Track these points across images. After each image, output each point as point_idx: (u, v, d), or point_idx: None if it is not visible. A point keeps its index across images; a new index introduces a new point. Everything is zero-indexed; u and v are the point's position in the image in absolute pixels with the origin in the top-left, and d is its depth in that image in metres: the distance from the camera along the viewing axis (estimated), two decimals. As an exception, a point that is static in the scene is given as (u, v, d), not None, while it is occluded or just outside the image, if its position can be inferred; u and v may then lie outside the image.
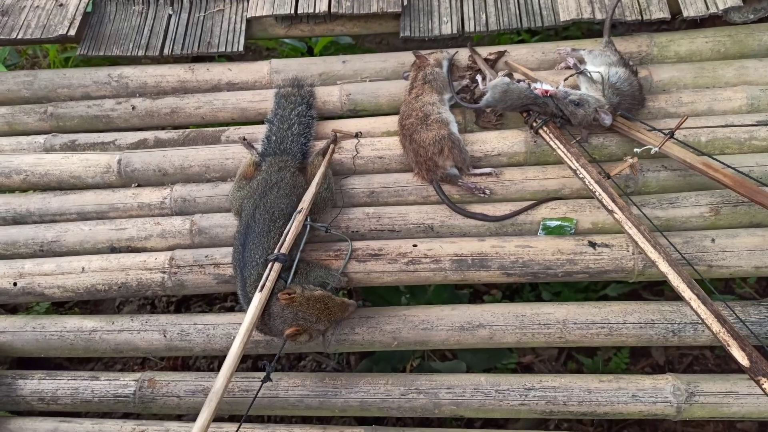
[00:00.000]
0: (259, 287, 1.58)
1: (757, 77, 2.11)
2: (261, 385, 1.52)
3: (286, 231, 1.69)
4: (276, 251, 1.64)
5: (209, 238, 1.93)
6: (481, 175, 1.97)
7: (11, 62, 3.08)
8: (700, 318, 1.52)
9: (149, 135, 2.19)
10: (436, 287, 2.32)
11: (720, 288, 2.31)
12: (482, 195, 1.94)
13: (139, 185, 2.08)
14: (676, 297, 1.56)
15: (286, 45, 3.01)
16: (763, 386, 1.40)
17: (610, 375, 1.72)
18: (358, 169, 2.04)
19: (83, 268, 1.87)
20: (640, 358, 2.31)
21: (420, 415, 1.71)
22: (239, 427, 1.48)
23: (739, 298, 2.06)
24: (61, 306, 2.46)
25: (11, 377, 1.80)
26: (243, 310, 1.60)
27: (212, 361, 2.34)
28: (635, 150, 1.83)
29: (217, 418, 1.50)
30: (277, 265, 1.61)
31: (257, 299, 1.56)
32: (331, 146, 2.00)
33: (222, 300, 2.51)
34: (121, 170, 2.06)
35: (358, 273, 1.82)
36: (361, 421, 2.01)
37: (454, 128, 1.97)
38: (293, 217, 1.72)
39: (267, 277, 1.60)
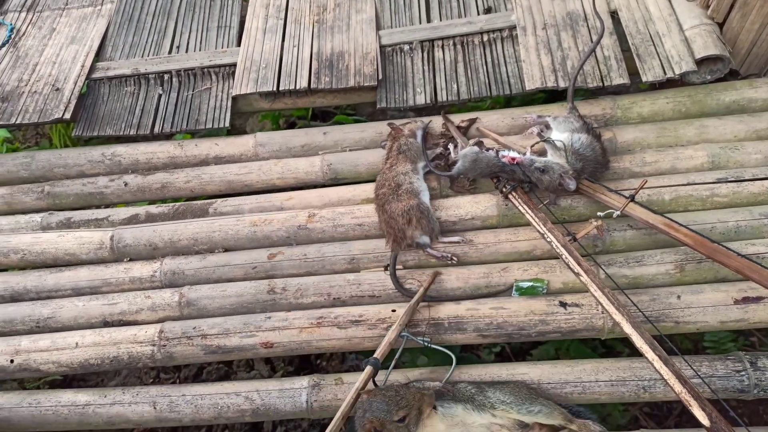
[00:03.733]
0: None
1: (716, 135, 2.22)
2: None
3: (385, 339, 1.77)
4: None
5: (197, 309, 2.02)
6: (449, 243, 2.06)
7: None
8: (663, 378, 1.59)
9: (141, 210, 2.30)
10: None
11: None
12: (450, 262, 2.03)
13: (131, 259, 2.18)
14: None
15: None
16: (723, 445, 1.46)
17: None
18: (338, 236, 2.14)
19: (77, 344, 1.95)
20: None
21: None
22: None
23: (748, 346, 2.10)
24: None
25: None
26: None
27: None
28: (598, 213, 1.93)
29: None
30: (369, 369, 1.69)
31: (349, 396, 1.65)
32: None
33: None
34: (113, 246, 2.17)
35: (340, 339, 1.90)
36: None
37: (425, 198, 2.08)
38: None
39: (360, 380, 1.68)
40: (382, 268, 2.04)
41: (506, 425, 1.64)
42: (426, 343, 1.83)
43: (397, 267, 2.03)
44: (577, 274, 1.82)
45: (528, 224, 2.05)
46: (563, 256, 1.86)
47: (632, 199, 1.90)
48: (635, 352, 1.64)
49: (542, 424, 1.64)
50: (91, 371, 1.96)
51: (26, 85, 2.61)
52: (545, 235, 1.92)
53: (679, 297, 1.85)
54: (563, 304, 1.88)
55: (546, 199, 2.06)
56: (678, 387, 1.55)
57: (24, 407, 1.91)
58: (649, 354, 1.62)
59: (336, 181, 2.33)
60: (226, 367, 2.48)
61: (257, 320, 1.94)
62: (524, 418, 1.65)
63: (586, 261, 1.82)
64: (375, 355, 1.73)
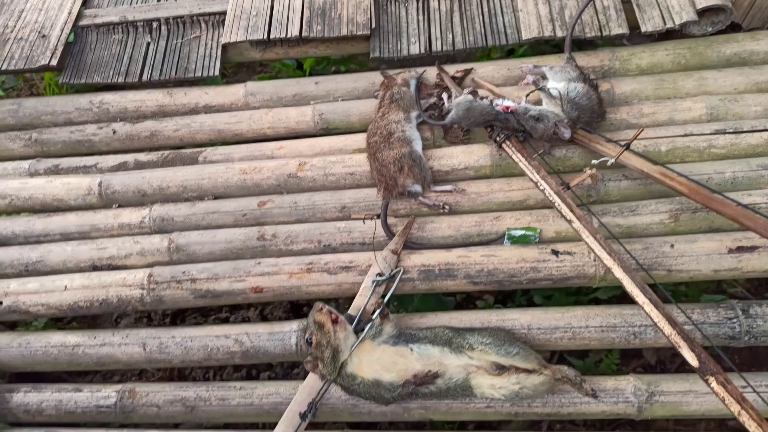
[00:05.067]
0: None
1: (716, 87, 2.19)
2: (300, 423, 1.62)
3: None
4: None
5: (186, 255, 2.00)
6: (441, 191, 2.04)
7: (9, 85, 3.18)
8: (653, 321, 1.58)
9: (129, 158, 2.27)
10: (423, 295, 2.36)
11: (712, 288, 2.33)
12: (442, 210, 2.01)
13: (119, 206, 2.16)
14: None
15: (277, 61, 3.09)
16: (711, 385, 1.46)
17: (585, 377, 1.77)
18: (329, 185, 2.12)
19: (66, 287, 1.94)
20: (631, 359, 2.32)
21: (390, 419, 1.77)
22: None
23: (731, 298, 2.09)
24: (60, 321, 2.50)
25: (-3, 392, 1.87)
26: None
27: (207, 371, 2.39)
28: (593, 162, 1.91)
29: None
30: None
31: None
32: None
33: (217, 311, 2.53)
34: (102, 192, 2.15)
35: (329, 285, 1.89)
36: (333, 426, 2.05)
37: (417, 146, 2.05)
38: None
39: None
40: (374, 216, 2.02)
41: (483, 367, 1.64)
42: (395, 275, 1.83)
43: (388, 215, 2.01)
44: (570, 221, 1.81)
45: (521, 174, 2.03)
46: (556, 204, 1.84)
47: (628, 147, 1.88)
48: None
49: (518, 368, 1.64)
50: (80, 314, 1.96)
51: (12, 32, 2.55)
52: (538, 183, 1.90)
53: (672, 246, 1.84)
54: (555, 252, 1.86)
55: (540, 149, 2.03)
56: (668, 329, 1.55)
57: (14, 347, 1.91)
58: (640, 297, 1.62)
59: (328, 131, 2.30)
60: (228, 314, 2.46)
61: (247, 265, 1.93)
62: (501, 360, 1.64)
63: (579, 210, 1.81)
64: (349, 311, 1.76)
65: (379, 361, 1.64)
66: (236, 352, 1.86)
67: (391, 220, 1.99)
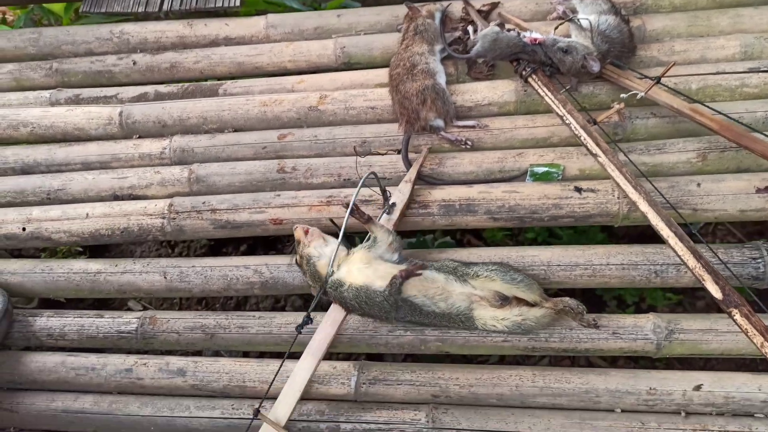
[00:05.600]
0: None
1: (751, 25, 2.10)
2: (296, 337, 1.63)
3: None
4: None
5: (206, 186, 2.00)
6: (464, 127, 2.00)
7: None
8: (677, 254, 1.56)
9: (149, 89, 2.26)
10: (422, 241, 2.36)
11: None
12: (464, 146, 1.98)
13: (139, 137, 2.16)
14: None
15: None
16: (735, 317, 1.44)
17: (591, 314, 1.76)
18: (350, 119, 2.09)
19: (87, 214, 1.96)
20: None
21: (407, 352, 1.78)
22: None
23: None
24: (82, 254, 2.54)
25: (22, 315, 1.91)
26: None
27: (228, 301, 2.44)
28: (622, 95, 1.85)
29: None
30: None
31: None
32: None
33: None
34: (122, 122, 2.14)
35: (350, 220, 1.88)
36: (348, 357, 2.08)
37: (441, 79, 2.00)
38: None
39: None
40: (395, 151, 2.00)
41: (486, 297, 1.63)
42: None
43: (410, 151, 1.98)
44: (595, 155, 1.76)
45: (546, 111, 1.99)
46: (582, 138, 1.80)
47: (658, 81, 1.82)
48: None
49: (519, 300, 1.63)
50: (102, 242, 1.97)
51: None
52: (564, 117, 1.85)
53: (699, 185, 1.79)
54: (578, 189, 1.83)
55: (567, 85, 1.98)
56: (692, 262, 1.53)
57: (37, 273, 1.94)
58: (665, 231, 1.59)
59: (349, 65, 2.25)
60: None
61: (267, 197, 1.93)
62: (505, 288, 1.63)
63: (606, 144, 1.76)
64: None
65: (375, 271, 1.62)
66: (255, 283, 1.87)
67: (411, 156, 1.96)
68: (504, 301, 1.63)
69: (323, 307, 1.70)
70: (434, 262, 1.70)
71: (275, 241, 2.50)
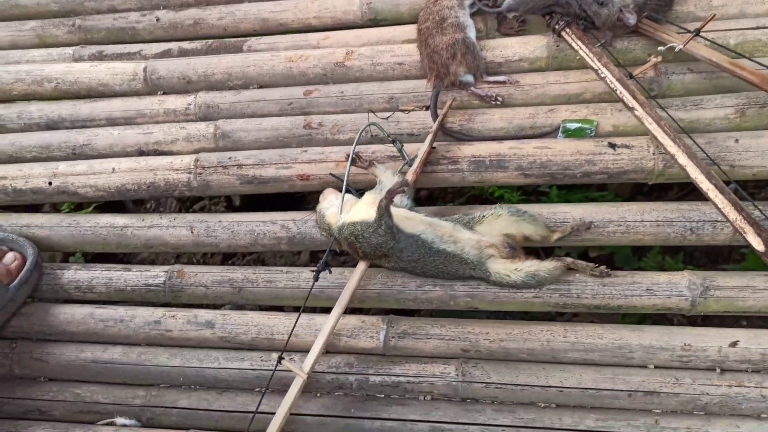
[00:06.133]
0: None
1: (793, -21, 2.03)
2: (313, 284, 1.63)
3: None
4: None
5: (232, 141, 1.98)
6: (494, 82, 1.96)
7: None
8: (717, 207, 1.52)
9: (173, 45, 2.23)
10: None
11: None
12: (494, 102, 1.94)
13: (164, 93, 2.14)
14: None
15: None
16: (777, 269, 1.41)
17: (624, 271, 1.74)
18: (377, 75, 2.05)
19: (113, 169, 1.95)
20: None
21: (436, 307, 1.76)
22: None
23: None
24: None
25: (50, 268, 1.91)
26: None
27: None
28: (659, 48, 1.80)
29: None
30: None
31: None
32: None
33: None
34: (147, 78, 2.12)
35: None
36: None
37: (471, 33, 1.95)
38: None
39: None
40: (423, 108, 1.96)
41: (495, 243, 1.63)
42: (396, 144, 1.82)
43: (438, 107, 1.94)
44: (632, 108, 1.72)
45: (579, 67, 1.94)
46: (618, 91, 1.75)
47: (698, 33, 1.76)
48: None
49: (524, 250, 1.66)
50: (128, 197, 1.96)
51: None
52: (599, 71, 1.81)
53: (737, 141, 1.74)
54: (612, 145, 1.79)
55: (602, 39, 1.92)
56: (733, 215, 1.49)
57: (63, 227, 1.93)
58: (705, 184, 1.55)
59: (375, 21, 2.21)
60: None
61: (293, 153, 1.90)
62: (511, 220, 1.65)
63: (643, 97, 1.72)
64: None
65: (374, 206, 1.60)
66: (282, 238, 1.85)
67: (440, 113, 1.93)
68: (512, 250, 1.63)
69: (344, 263, 1.69)
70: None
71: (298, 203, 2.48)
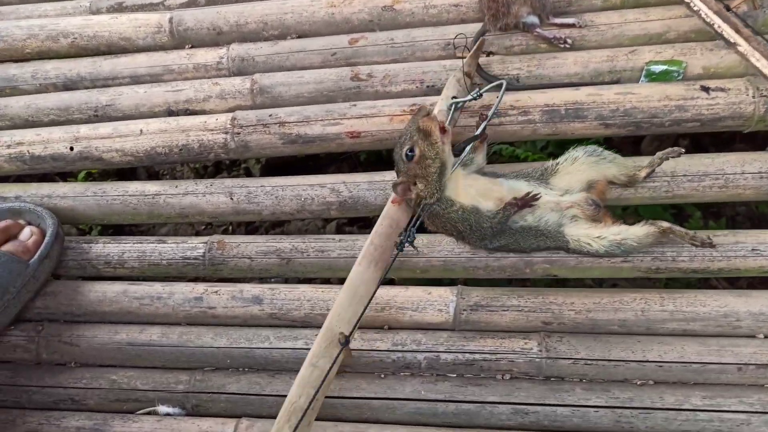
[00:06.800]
0: None
1: None
2: (396, 254, 1.34)
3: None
4: None
5: (271, 97, 1.78)
6: (562, 25, 1.74)
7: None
8: None
9: (199, -6, 2.02)
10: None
11: None
12: (563, 46, 1.73)
13: (192, 46, 1.93)
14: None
15: None
16: None
17: (725, 230, 1.53)
18: (429, 19, 1.84)
19: (141, 131, 1.75)
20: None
21: (509, 276, 1.57)
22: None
23: None
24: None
25: (76, 242, 1.73)
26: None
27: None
28: (761, -24, 1.58)
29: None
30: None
31: None
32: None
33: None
34: (173, 29, 1.91)
35: (436, 129, 1.65)
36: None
37: (537, -33, 1.74)
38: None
39: None
40: (485, 53, 1.75)
41: (577, 202, 1.39)
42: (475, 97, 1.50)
43: (498, 54, 1.73)
44: (734, 44, 1.51)
45: (660, 3, 1.72)
46: (716, 26, 1.54)
47: (807, -45, 1.53)
48: None
49: (610, 211, 1.43)
50: (158, 161, 1.77)
51: None
52: (692, 4, 1.58)
53: None
54: (705, 89, 1.56)
55: (687, -29, 1.70)
56: None
57: (89, 196, 1.74)
58: (833, 125, 1.33)
59: (424, -38, 1.98)
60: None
61: (341, 108, 1.70)
62: (590, 163, 1.44)
63: (747, 30, 1.50)
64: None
65: (475, 186, 1.38)
66: (332, 203, 1.66)
67: (495, 58, 1.72)
68: (597, 207, 1.40)
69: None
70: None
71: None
